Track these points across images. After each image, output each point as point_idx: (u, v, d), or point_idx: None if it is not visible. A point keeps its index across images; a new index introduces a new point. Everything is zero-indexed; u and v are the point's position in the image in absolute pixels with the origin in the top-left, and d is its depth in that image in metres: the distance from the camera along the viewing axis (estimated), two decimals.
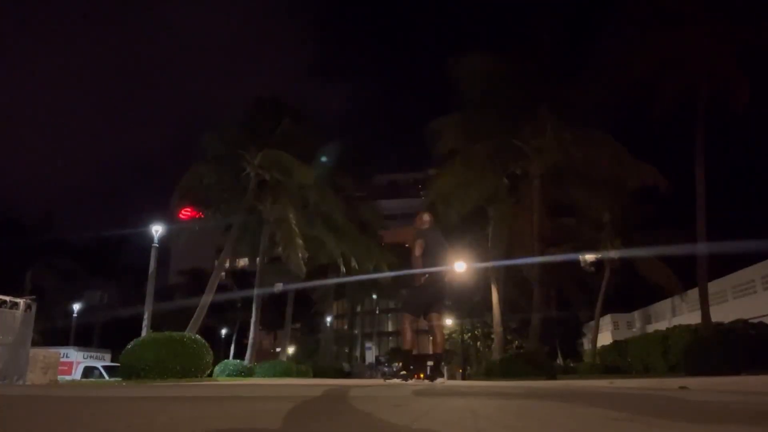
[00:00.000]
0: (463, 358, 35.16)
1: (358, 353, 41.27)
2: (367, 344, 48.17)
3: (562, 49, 17.19)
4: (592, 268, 22.82)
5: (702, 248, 14.59)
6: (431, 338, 6.21)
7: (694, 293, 18.15)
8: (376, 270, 23.97)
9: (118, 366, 11.17)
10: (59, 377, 11.69)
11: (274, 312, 30.03)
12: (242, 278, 34.77)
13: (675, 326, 14.76)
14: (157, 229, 16.04)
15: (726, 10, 14.35)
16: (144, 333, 13.14)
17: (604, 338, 30.17)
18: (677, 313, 27.42)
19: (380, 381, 8.48)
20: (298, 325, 37.88)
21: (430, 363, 6.22)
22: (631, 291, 26.72)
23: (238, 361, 17.00)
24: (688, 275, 17.94)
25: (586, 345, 32.31)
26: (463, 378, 29.38)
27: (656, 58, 15.06)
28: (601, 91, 15.94)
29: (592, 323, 25.53)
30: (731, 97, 14.55)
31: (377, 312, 50.72)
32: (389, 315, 57.17)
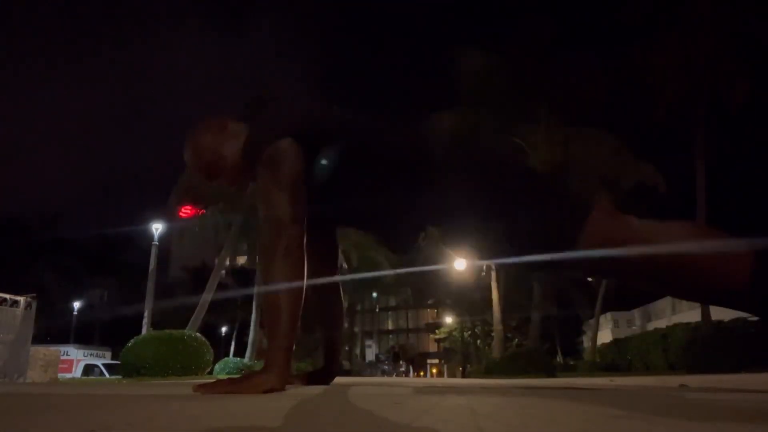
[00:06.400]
0: (463, 357, 35.24)
1: (358, 351, 41.34)
2: (367, 342, 48.24)
3: (561, 46, 17.22)
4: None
5: None
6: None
7: None
8: (376, 268, 23.99)
9: (118, 364, 11.19)
10: (59, 375, 11.70)
11: None
12: (242, 276, 34.81)
13: (675, 324, 14.76)
14: (157, 228, 16.07)
15: (728, 8, 14.36)
16: (144, 331, 13.18)
17: (604, 336, 30.22)
18: (677, 311, 27.47)
19: (380, 379, 8.50)
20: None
21: None
22: (631, 289, 26.77)
23: (239, 359, 17.03)
24: None
25: (586, 343, 32.36)
26: (463, 376, 29.43)
27: (657, 57, 15.06)
28: (601, 88, 15.95)
29: (592, 321, 25.56)
30: (731, 96, 14.56)
31: (377, 310, 50.76)
32: (389, 313, 57.22)
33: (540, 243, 1.31)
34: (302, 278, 1.41)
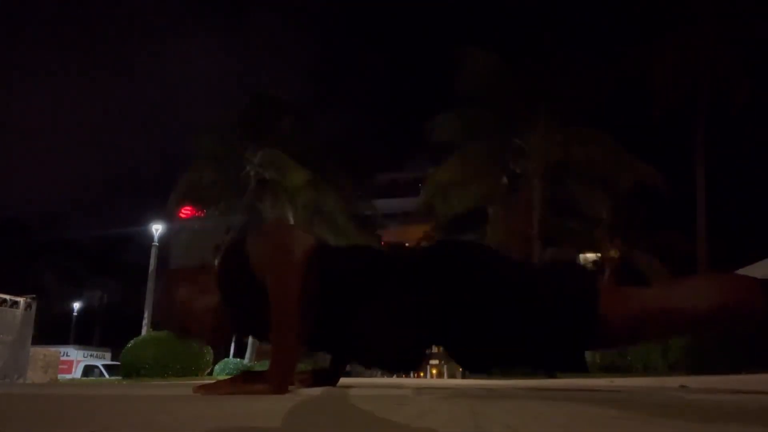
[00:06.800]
0: None
1: None
2: None
3: (561, 46, 17.18)
4: (593, 268, 22.76)
5: (702, 247, 14.61)
6: None
7: None
8: None
9: (118, 365, 11.19)
10: (59, 376, 11.71)
11: None
12: None
13: None
14: (157, 228, 16.08)
15: (727, 8, 14.38)
16: (144, 331, 13.18)
17: None
18: None
19: (380, 380, 8.49)
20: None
21: None
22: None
23: (239, 360, 17.02)
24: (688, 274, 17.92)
25: None
26: (464, 376, 29.39)
27: (657, 57, 15.08)
28: (601, 89, 15.96)
29: None
30: (731, 96, 14.58)
31: None
32: None
33: (563, 330, 1.28)
34: (313, 294, 1.40)
